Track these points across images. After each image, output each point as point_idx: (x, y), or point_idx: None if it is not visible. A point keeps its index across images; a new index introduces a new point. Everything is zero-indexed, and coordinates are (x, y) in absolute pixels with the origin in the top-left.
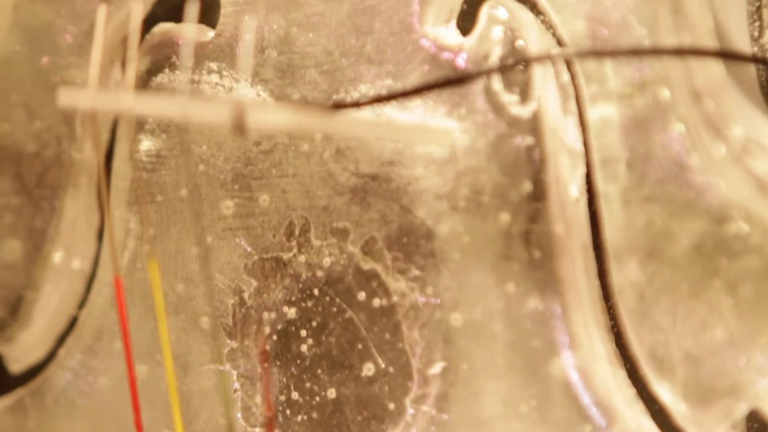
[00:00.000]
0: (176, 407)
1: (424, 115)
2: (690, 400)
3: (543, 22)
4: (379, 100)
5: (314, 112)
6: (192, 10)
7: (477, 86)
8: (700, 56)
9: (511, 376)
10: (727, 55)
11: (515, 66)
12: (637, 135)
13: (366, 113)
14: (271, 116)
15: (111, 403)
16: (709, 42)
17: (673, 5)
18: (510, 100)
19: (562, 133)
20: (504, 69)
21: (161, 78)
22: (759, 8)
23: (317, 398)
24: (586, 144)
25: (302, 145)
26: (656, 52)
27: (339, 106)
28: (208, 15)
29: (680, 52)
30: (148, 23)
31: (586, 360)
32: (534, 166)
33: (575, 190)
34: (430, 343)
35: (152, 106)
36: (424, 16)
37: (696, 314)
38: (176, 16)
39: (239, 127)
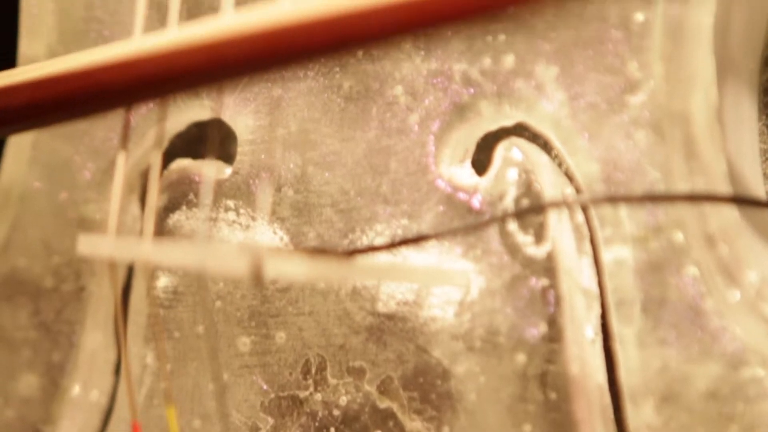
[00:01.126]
0: None
1: (440, 256)
2: None
3: (557, 163)
4: (396, 245)
5: (331, 259)
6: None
7: (492, 227)
8: (713, 202)
9: None
10: (741, 200)
11: (531, 212)
12: (652, 278)
13: (382, 257)
14: (288, 265)
15: None
16: (723, 186)
17: (687, 150)
18: (525, 240)
19: (576, 274)
20: (519, 214)
21: (179, 215)
22: None
23: None
24: (600, 285)
25: (318, 283)
26: (670, 198)
27: (355, 251)
28: (225, 152)
29: (694, 199)
30: (167, 157)
31: None
32: (549, 308)
33: (590, 331)
34: None
35: (170, 254)
36: (439, 156)
37: None
38: (194, 149)
39: (257, 276)
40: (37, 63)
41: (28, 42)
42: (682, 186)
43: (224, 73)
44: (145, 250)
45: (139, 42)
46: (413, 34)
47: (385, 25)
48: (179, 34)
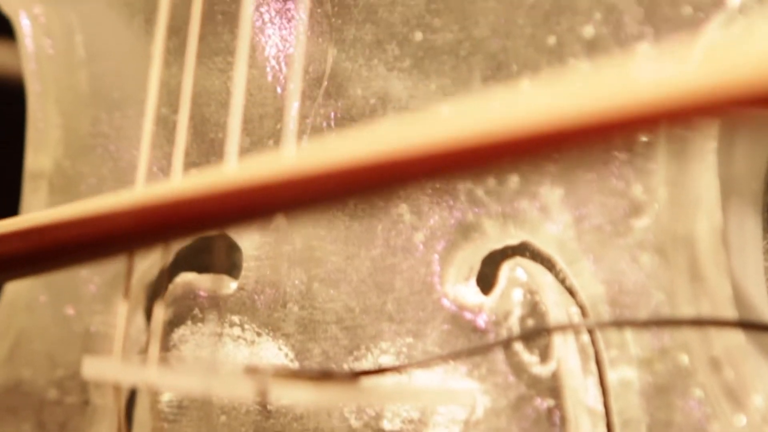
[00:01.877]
0: None
1: (445, 374)
2: None
3: (562, 284)
4: (402, 368)
5: (336, 382)
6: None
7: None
8: (718, 327)
9: None
10: (746, 325)
11: (536, 335)
12: (658, 400)
13: (388, 378)
14: (293, 390)
15: None
16: (728, 310)
17: (691, 273)
18: (530, 360)
19: (582, 393)
20: (525, 337)
21: (183, 330)
22: None
23: None
24: (606, 406)
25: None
26: (675, 323)
27: (360, 374)
28: (230, 267)
29: (699, 323)
30: (172, 270)
31: None
32: (555, 428)
33: None
34: None
35: (175, 381)
36: (444, 275)
37: None
38: (199, 263)
39: (262, 401)
40: (42, 211)
41: (34, 156)
42: (687, 309)
43: (227, 221)
44: (150, 375)
45: (143, 191)
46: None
47: (384, 178)
48: (183, 183)
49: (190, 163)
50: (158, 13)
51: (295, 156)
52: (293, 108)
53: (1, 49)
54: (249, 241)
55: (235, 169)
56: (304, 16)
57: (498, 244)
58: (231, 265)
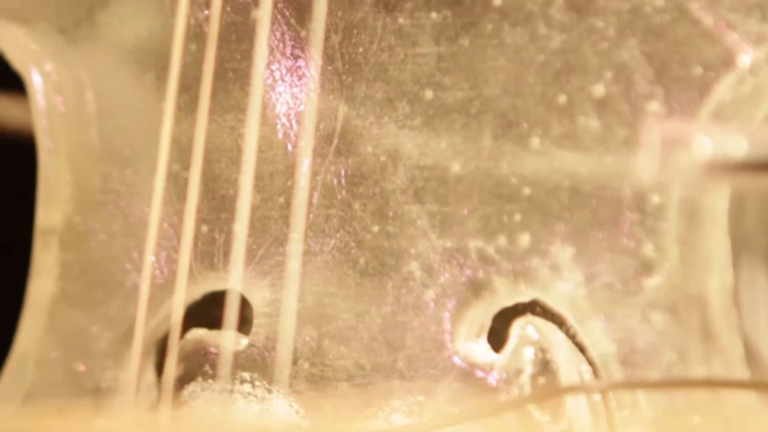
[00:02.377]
0: None
1: (456, 430)
2: None
3: (573, 342)
4: (413, 426)
5: None
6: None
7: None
8: (730, 388)
9: None
10: (758, 385)
11: (548, 397)
12: None
13: None
14: None
15: None
16: (740, 370)
17: (703, 333)
18: (541, 418)
19: None
20: (537, 399)
21: (194, 387)
22: None
23: None
24: None
25: None
26: (687, 384)
27: None
28: (241, 323)
29: (711, 384)
30: (182, 326)
31: None
32: None
33: None
34: None
35: None
36: (455, 333)
37: None
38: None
39: None
40: None
41: (45, 212)
42: (698, 369)
43: None
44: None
45: None
46: None
47: None
48: None
49: (201, 220)
50: (169, 70)
51: None
52: (304, 165)
53: (13, 105)
54: (260, 297)
55: None
56: (314, 74)
57: (509, 302)
58: (242, 322)
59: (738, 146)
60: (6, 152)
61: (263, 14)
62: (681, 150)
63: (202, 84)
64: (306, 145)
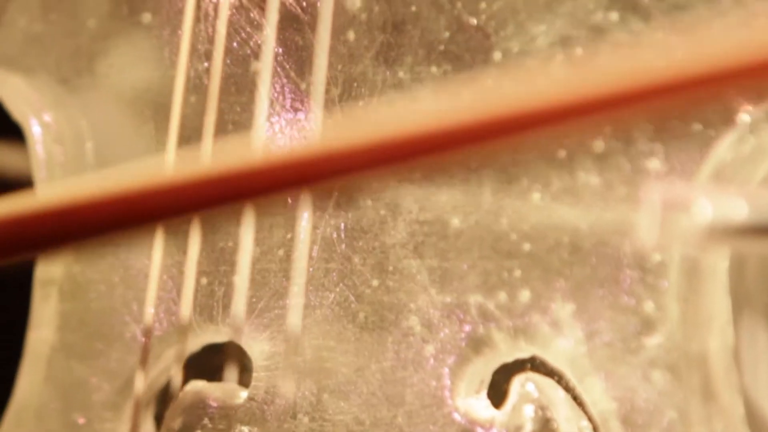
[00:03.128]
0: None
1: None
2: None
3: (573, 399)
4: None
5: None
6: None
7: None
8: None
9: None
10: None
11: None
12: None
13: None
14: None
15: None
16: (742, 430)
17: (704, 392)
18: None
19: None
20: None
21: None
22: None
23: None
24: None
25: None
26: None
27: None
28: (241, 376)
29: None
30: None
31: None
32: None
33: None
34: None
35: None
36: (455, 389)
37: None
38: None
39: None
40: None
41: (44, 262)
42: (699, 429)
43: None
44: None
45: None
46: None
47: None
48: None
49: (200, 272)
50: (168, 121)
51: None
52: (304, 218)
53: (12, 152)
54: (259, 350)
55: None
56: (314, 127)
57: (509, 358)
58: (241, 375)
59: (738, 210)
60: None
61: (264, 66)
62: (681, 213)
63: (203, 136)
64: (306, 198)
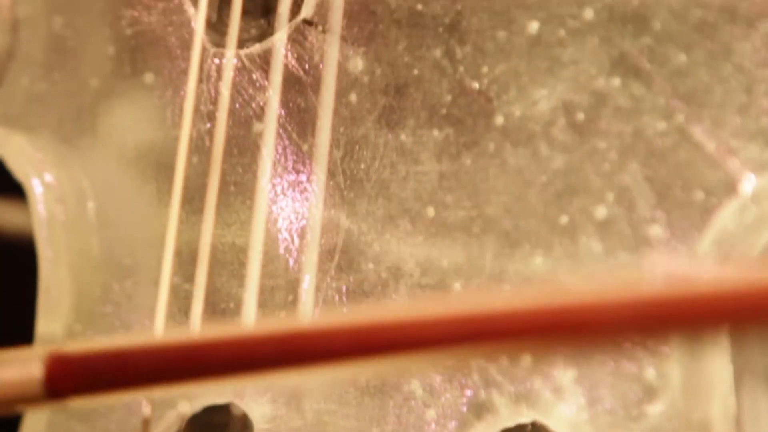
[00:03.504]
0: None
1: None
2: None
3: None
4: None
5: None
6: None
7: None
8: None
9: None
10: None
11: None
12: None
13: None
14: None
15: None
16: None
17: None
18: None
19: None
20: None
21: None
22: None
23: None
24: None
25: None
26: None
27: None
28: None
29: None
30: None
31: None
32: None
33: None
34: None
35: None
36: None
37: None
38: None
39: None
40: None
41: (45, 321)
42: None
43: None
44: None
45: None
46: None
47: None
48: None
49: None
50: (170, 181)
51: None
52: (306, 280)
53: (13, 210)
54: (260, 413)
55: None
56: (316, 189)
57: (510, 423)
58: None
59: None
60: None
61: (266, 128)
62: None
63: (207, 198)
64: (308, 261)
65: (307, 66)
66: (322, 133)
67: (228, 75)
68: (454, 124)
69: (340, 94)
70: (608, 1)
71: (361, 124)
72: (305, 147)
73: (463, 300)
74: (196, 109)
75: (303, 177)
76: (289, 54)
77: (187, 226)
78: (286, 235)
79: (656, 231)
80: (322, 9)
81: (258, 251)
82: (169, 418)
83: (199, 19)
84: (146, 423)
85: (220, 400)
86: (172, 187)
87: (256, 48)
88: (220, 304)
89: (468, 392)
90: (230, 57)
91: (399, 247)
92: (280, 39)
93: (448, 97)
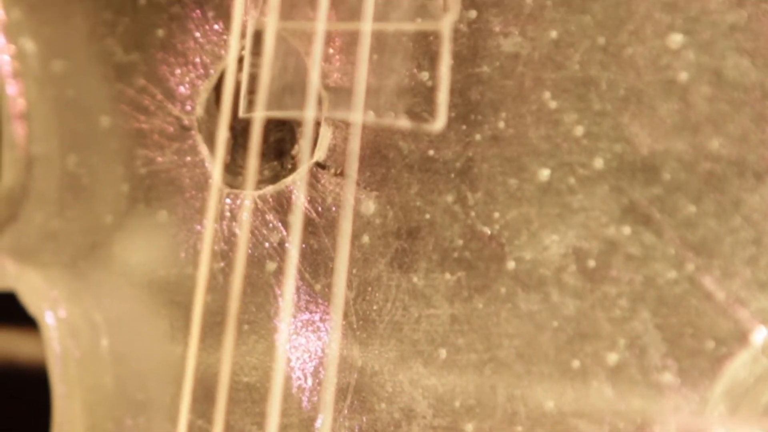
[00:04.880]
0: None
1: None
2: None
3: None
4: None
5: None
6: None
7: None
8: None
9: None
10: None
11: None
12: None
13: None
14: None
15: None
16: None
17: None
18: None
19: None
20: None
21: None
22: None
23: None
24: None
25: None
26: None
27: None
28: None
29: None
30: None
31: None
32: None
33: None
34: None
35: None
36: None
37: None
38: None
39: None
40: None
41: None
42: None
43: None
44: None
45: None
46: None
47: None
48: None
49: None
50: (184, 320)
51: None
52: (319, 420)
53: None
54: None
55: None
56: (329, 329)
57: None
58: None
59: None
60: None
61: (279, 268)
62: None
63: (224, 337)
64: (321, 400)
65: (320, 208)
66: (339, 273)
67: (244, 216)
68: (466, 268)
69: (353, 236)
70: (618, 151)
71: (373, 266)
72: (318, 287)
73: None
74: (210, 249)
75: (316, 317)
76: (302, 196)
77: (201, 363)
78: (299, 374)
79: (667, 378)
80: (335, 152)
81: (276, 392)
82: None
83: (216, 162)
84: None
85: None
86: (185, 324)
87: (269, 189)
88: None
89: None
90: (247, 198)
91: (412, 388)
92: (293, 181)
93: (460, 242)
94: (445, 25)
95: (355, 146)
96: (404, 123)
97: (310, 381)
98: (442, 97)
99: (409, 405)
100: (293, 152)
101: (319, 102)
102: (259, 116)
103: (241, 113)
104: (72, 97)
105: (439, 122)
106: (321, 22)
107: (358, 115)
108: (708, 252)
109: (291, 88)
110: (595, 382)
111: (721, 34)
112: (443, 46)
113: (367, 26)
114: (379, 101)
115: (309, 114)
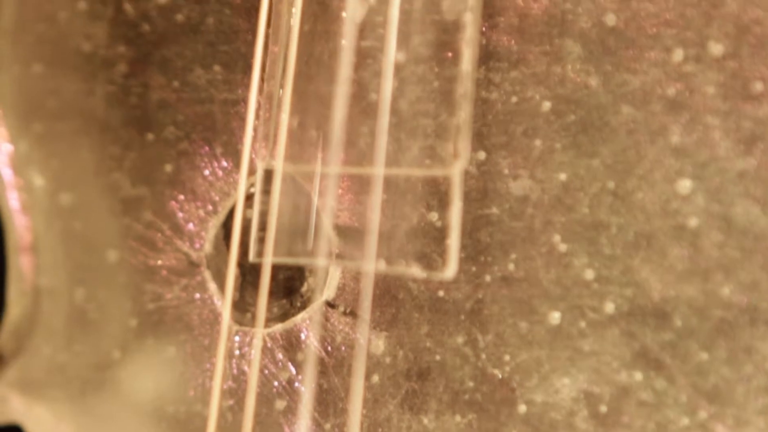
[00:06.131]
0: None
1: None
2: None
3: None
4: None
5: None
6: None
7: None
8: None
9: None
10: None
11: None
12: None
13: None
14: None
15: None
16: None
17: None
18: None
19: None
20: None
21: None
22: None
23: None
24: None
25: None
26: None
27: None
28: None
29: None
30: None
31: None
32: None
33: None
34: None
35: None
36: None
37: None
38: None
39: None
40: None
41: None
42: None
43: None
44: None
45: None
46: None
47: None
48: None
49: None
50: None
51: None
52: None
53: None
54: None
55: None
56: None
57: None
58: None
59: None
60: None
61: (290, 405)
62: None
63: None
64: None
65: (329, 347)
66: (354, 415)
67: (255, 355)
68: (477, 411)
69: (363, 376)
70: (629, 295)
71: (383, 406)
72: (327, 426)
73: None
74: (220, 387)
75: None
76: (312, 335)
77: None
78: None
79: None
80: (344, 291)
81: None
82: None
83: (226, 300)
84: None
85: None
86: None
87: (278, 327)
88: None
89: None
90: (257, 336)
91: None
92: (302, 320)
93: (471, 384)
94: (456, 172)
95: (365, 286)
96: (416, 272)
97: None
98: (454, 243)
99: None
100: (302, 290)
101: (329, 244)
102: (268, 262)
103: (252, 258)
104: (79, 230)
105: (450, 270)
106: (333, 165)
107: (369, 264)
108: (721, 400)
109: (301, 232)
110: None
111: (730, 180)
112: (454, 192)
113: (378, 170)
114: (390, 248)
115: (320, 262)
